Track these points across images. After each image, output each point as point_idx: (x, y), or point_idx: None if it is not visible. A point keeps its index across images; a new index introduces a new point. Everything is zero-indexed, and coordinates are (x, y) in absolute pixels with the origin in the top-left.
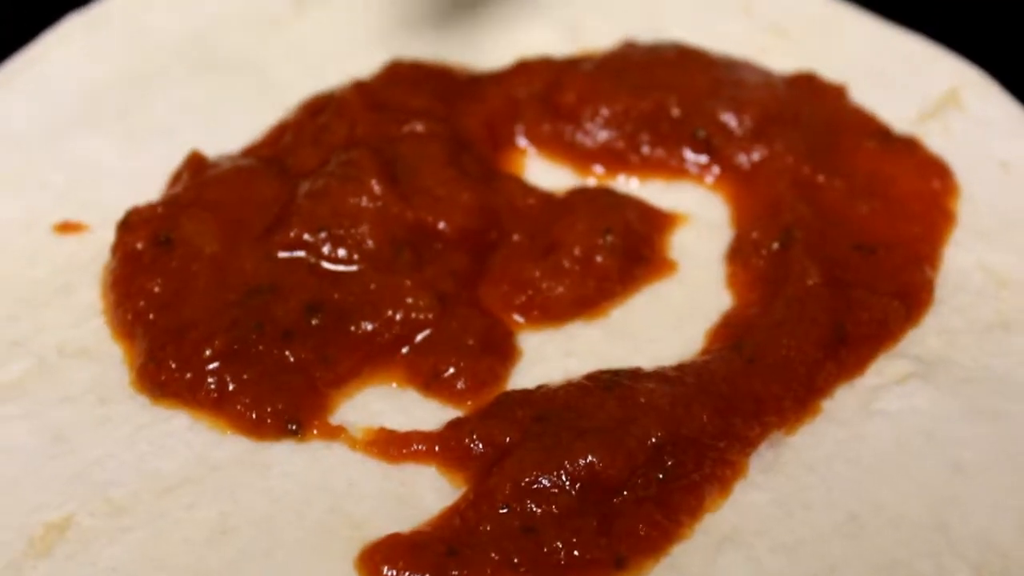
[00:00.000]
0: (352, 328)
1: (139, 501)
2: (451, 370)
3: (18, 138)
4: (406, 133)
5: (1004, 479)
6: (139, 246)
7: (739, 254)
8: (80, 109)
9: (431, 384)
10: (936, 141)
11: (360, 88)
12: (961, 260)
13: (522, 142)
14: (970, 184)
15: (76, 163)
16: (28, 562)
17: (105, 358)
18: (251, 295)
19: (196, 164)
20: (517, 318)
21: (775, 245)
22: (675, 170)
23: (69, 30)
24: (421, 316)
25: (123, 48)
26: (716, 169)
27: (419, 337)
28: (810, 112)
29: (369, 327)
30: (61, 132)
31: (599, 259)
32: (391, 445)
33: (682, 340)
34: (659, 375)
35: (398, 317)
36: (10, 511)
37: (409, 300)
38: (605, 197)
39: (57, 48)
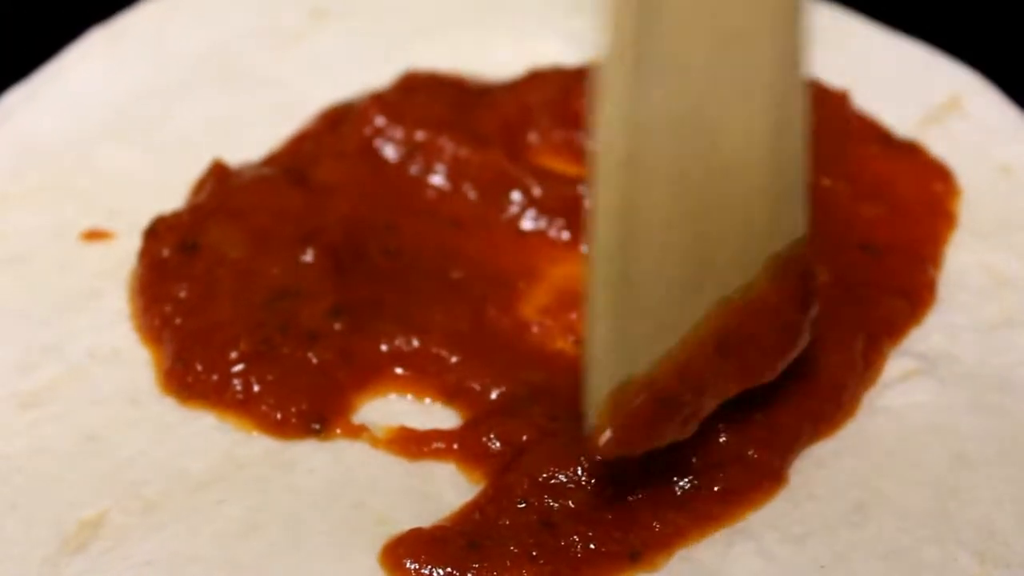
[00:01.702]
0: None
1: (170, 498)
2: None
3: (44, 150)
4: None
5: (1006, 470)
6: (165, 253)
7: None
8: (103, 121)
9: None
10: (938, 145)
11: (377, 99)
12: (962, 260)
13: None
14: (971, 187)
15: (101, 173)
16: (63, 559)
17: (134, 362)
18: (275, 299)
19: (219, 173)
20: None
21: None
22: None
23: (91, 45)
24: None
25: (144, 62)
26: None
27: None
28: (814, 118)
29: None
30: (85, 144)
31: None
32: (411, 443)
33: None
34: None
35: None
36: (45, 509)
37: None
38: None
39: (80, 62)
